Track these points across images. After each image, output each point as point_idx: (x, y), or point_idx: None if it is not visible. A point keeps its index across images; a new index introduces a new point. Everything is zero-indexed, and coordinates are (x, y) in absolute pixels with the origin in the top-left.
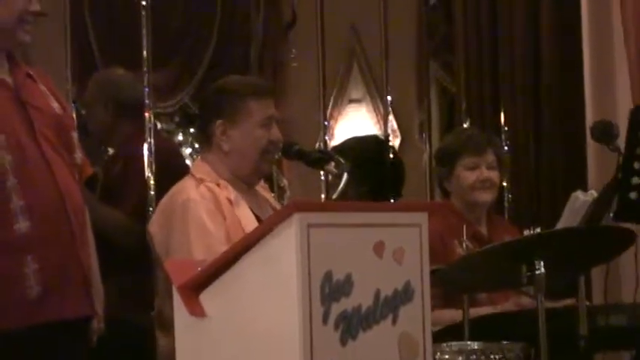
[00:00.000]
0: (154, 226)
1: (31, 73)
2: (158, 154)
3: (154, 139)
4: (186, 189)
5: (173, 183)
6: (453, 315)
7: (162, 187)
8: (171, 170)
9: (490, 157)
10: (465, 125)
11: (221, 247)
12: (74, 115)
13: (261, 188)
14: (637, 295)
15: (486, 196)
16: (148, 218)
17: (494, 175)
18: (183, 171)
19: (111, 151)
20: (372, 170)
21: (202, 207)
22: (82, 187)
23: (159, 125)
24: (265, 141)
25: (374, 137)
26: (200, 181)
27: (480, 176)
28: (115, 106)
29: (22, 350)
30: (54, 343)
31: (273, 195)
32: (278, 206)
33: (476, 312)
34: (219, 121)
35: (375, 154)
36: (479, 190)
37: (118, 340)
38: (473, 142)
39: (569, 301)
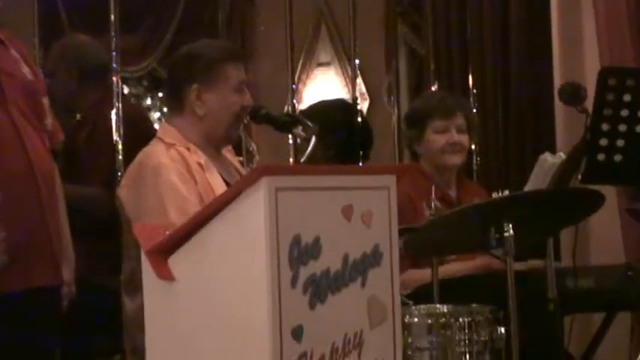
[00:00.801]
0: (124, 191)
1: (2, 38)
2: (126, 119)
3: (122, 104)
4: (157, 153)
5: (142, 147)
6: (422, 275)
7: (131, 151)
8: (140, 134)
9: (460, 120)
10: (433, 88)
11: (195, 210)
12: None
13: (227, 152)
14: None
15: (456, 159)
16: (117, 183)
17: (463, 138)
18: (151, 135)
19: (78, 116)
20: (340, 134)
21: (174, 171)
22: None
23: (126, 90)
24: (239, 106)
25: (342, 101)
26: (170, 145)
27: (450, 139)
28: (78, 73)
29: None
30: (21, 311)
31: (240, 159)
32: (244, 171)
33: (445, 269)
34: (194, 86)
35: (342, 118)
36: (448, 153)
37: (86, 304)
38: (443, 106)
39: (536, 262)
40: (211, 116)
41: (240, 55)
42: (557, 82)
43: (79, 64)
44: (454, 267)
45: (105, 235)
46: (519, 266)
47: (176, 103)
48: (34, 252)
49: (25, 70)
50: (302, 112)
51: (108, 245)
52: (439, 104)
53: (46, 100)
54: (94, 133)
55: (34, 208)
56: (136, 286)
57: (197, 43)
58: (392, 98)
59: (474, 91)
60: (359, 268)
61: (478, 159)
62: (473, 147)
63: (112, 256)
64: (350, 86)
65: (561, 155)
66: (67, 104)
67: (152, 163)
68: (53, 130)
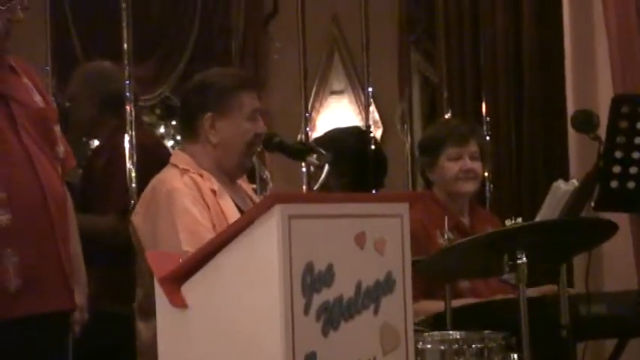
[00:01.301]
0: (138, 218)
1: (14, 65)
2: (142, 147)
3: (138, 132)
4: (170, 179)
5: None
6: (436, 307)
7: (146, 179)
8: (156, 162)
9: (473, 147)
10: (447, 116)
11: (208, 235)
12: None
13: (241, 180)
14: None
15: (469, 187)
16: (131, 210)
17: (477, 165)
18: (166, 163)
19: (95, 143)
20: (353, 161)
21: (187, 196)
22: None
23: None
24: (252, 134)
25: (355, 128)
26: (184, 171)
27: (463, 167)
28: (102, 99)
29: (1, 343)
30: (33, 336)
31: (253, 187)
32: (257, 199)
33: (461, 303)
34: (207, 114)
35: (356, 146)
36: (462, 180)
37: (100, 332)
38: (456, 133)
39: (549, 287)
40: (225, 144)
41: (253, 83)
42: (570, 109)
43: (100, 90)
44: (469, 302)
45: (118, 263)
46: (532, 292)
47: (190, 132)
48: (46, 277)
49: (37, 98)
50: (316, 139)
51: (121, 273)
52: (453, 131)
53: (57, 128)
54: (112, 161)
55: (47, 233)
56: (149, 312)
57: (210, 71)
58: (405, 126)
59: (487, 118)
60: (372, 295)
61: (491, 186)
62: (486, 174)
63: (125, 283)
64: (363, 114)
65: (574, 182)
66: (86, 130)
67: (166, 189)
68: (65, 157)
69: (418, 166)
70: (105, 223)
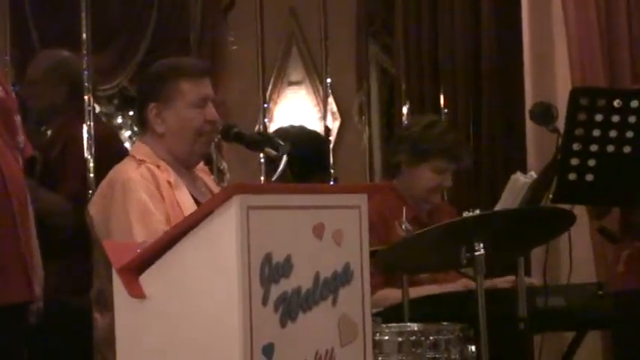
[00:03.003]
0: (94, 207)
1: None
2: (96, 138)
3: (93, 123)
4: (126, 169)
5: (112, 166)
6: (397, 296)
7: (102, 170)
8: (110, 153)
9: (461, 165)
10: (404, 108)
11: (161, 227)
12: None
13: (201, 171)
14: (571, 277)
15: (437, 199)
16: (88, 200)
17: (451, 180)
18: (121, 154)
19: (49, 132)
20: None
21: (142, 187)
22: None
23: (97, 108)
24: (199, 121)
25: (313, 133)
26: (140, 162)
27: (443, 183)
28: (68, 88)
29: None
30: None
31: (213, 178)
32: (216, 190)
33: (419, 291)
34: (152, 104)
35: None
36: (434, 193)
37: (56, 323)
38: (452, 151)
39: (508, 278)
40: (171, 133)
41: (199, 70)
42: (529, 101)
43: (69, 79)
44: (429, 290)
45: (74, 253)
46: (490, 284)
47: (140, 122)
48: (7, 269)
49: None
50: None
51: (77, 263)
52: (450, 147)
53: (18, 117)
54: (67, 151)
55: (8, 225)
56: (106, 303)
57: (161, 61)
58: (363, 118)
59: (445, 110)
60: (330, 286)
61: None
62: None
63: (81, 273)
64: (321, 105)
65: (532, 175)
66: (44, 118)
67: (121, 179)
68: (23, 146)
69: (392, 149)
70: (57, 200)
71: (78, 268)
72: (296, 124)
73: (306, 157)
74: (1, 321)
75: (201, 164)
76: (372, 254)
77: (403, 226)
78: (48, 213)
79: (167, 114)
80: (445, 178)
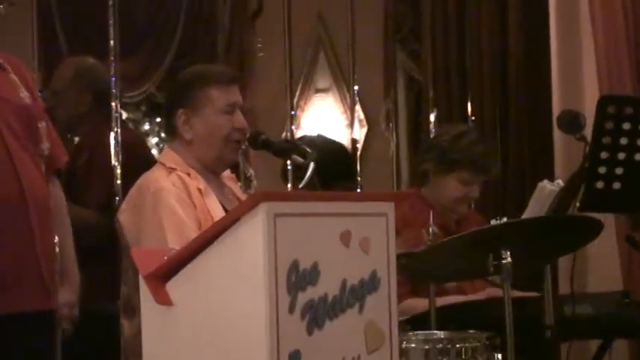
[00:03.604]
0: (124, 215)
1: (1, 61)
2: (123, 145)
3: (120, 129)
4: (158, 178)
5: (139, 173)
6: (424, 305)
7: (128, 177)
8: (138, 160)
9: (488, 178)
10: (432, 115)
11: (194, 235)
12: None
13: (228, 179)
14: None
15: (464, 210)
16: (116, 208)
17: (479, 191)
18: (148, 161)
19: (76, 140)
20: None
21: (174, 195)
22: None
23: (125, 115)
24: (228, 128)
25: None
26: (171, 170)
27: (469, 194)
28: (93, 96)
29: None
30: (7, 336)
31: (240, 185)
32: (243, 197)
33: (445, 301)
34: (180, 110)
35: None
36: (461, 203)
37: (86, 332)
38: (480, 163)
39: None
40: (199, 140)
41: (227, 77)
42: (556, 109)
43: (94, 87)
44: (455, 299)
45: (103, 261)
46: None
47: (168, 129)
48: (21, 277)
49: (24, 94)
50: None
51: (106, 271)
52: (477, 159)
53: (43, 125)
54: (94, 158)
55: (24, 233)
56: (133, 309)
57: (190, 68)
58: (390, 125)
59: (473, 118)
60: (357, 293)
61: None
62: None
63: (110, 281)
64: (348, 113)
65: (560, 183)
66: (70, 126)
67: (153, 188)
68: (57, 153)
69: (420, 159)
70: (82, 216)
71: (104, 275)
72: (321, 133)
73: (332, 165)
74: (14, 330)
75: (228, 171)
76: (399, 257)
77: (430, 230)
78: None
79: (195, 121)
80: (472, 190)
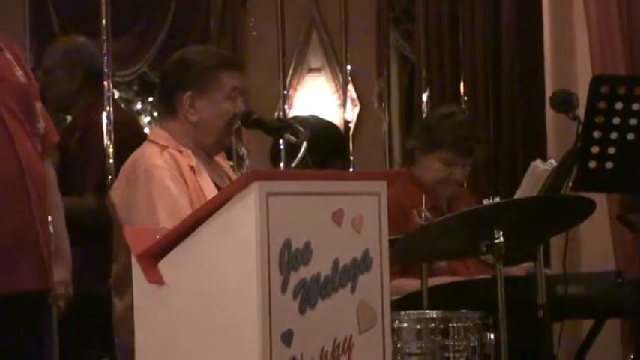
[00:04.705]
0: (116, 192)
1: None
2: (116, 124)
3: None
4: (150, 155)
5: (131, 152)
6: (414, 284)
7: (121, 156)
8: (130, 139)
9: (469, 160)
10: (424, 95)
11: (186, 213)
12: None
13: (219, 157)
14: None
15: (447, 191)
16: (108, 187)
17: (464, 174)
18: (141, 140)
19: (69, 119)
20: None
21: (166, 173)
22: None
23: (117, 94)
24: (232, 113)
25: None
26: (163, 147)
27: (451, 175)
28: (84, 74)
29: None
30: (5, 315)
31: (231, 164)
32: (235, 176)
33: (437, 282)
34: (187, 93)
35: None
36: (442, 185)
37: (78, 310)
38: (461, 144)
39: (528, 264)
40: (204, 123)
41: (234, 62)
42: (549, 89)
43: (84, 66)
44: (446, 280)
45: (95, 241)
46: (513, 270)
47: (168, 109)
48: (20, 256)
49: (19, 73)
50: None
51: (98, 250)
52: (458, 140)
53: (39, 104)
54: (86, 138)
55: (24, 211)
56: (124, 287)
57: (190, 48)
58: (383, 104)
59: (465, 97)
60: (349, 273)
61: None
62: None
63: (102, 261)
64: (341, 92)
65: (552, 162)
66: (62, 105)
67: (145, 165)
68: (48, 132)
69: (410, 140)
70: (82, 204)
71: (98, 256)
72: (313, 113)
73: (325, 144)
74: (14, 308)
75: None
76: (391, 243)
77: (422, 214)
78: (71, 218)
79: (202, 104)
80: (454, 171)
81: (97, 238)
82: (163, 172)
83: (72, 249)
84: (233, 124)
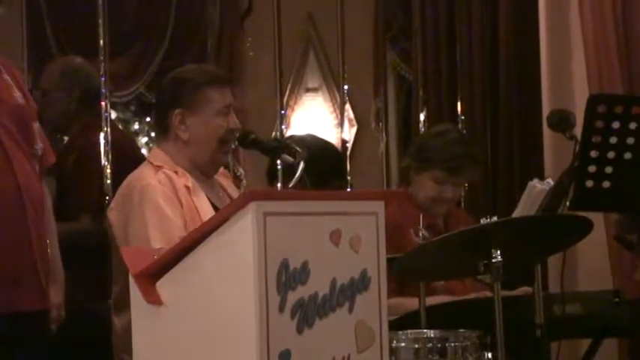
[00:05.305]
0: (112, 213)
1: None
2: (113, 144)
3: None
4: (145, 175)
5: (129, 173)
6: (412, 303)
7: (119, 176)
8: (127, 160)
9: (462, 179)
10: (422, 115)
11: (179, 233)
12: None
13: (221, 175)
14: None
15: (441, 210)
16: (106, 207)
17: (457, 193)
18: (138, 161)
19: (65, 139)
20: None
21: (160, 193)
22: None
23: (114, 114)
24: (224, 130)
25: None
26: (158, 167)
27: (442, 194)
28: (81, 95)
29: None
30: (4, 335)
31: (232, 181)
32: (236, 195)
33: (433, 300)
34: (177, 110)
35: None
36: (435, 203)
37: (76, 331)
38: (453, 163)
39: (525, 288)
40: (195, 141)
41: (223, 79)
42: (546, 108)
43: (81, 86)
44: (443, 299)
45: (95, 262)
46: (507, 293)
47: (162, 129)
48: (19, 277)
49: (17, 94)
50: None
51: (97, 271)
52: (450, 158)
53: (36, 125)
54: (83, 159)
55: (21, 232)
56: (124, 306)
57: (184, 68)
58: (380, 124)
59: (463, 117)
60: (347, 293)
61: (466, 186)
62: None
63: (101, 282)
64: (338, 112)
65: (550, 182)
66: (59, 125)
67: (139, 185)
68: (45, 153)
69: (405, 160)
70: (79, 228)
71: (97, 277)
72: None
73: (322, 164)
74: (13, 329)
75: (221, 168)
76: (388, 262)
77: (420, 233)
78: (70, 242)
79: (192, 121)
80: (445, 190)
81: (96, 258)
82: (157, 192)
83: (70, 271)
84: (227, 141)
